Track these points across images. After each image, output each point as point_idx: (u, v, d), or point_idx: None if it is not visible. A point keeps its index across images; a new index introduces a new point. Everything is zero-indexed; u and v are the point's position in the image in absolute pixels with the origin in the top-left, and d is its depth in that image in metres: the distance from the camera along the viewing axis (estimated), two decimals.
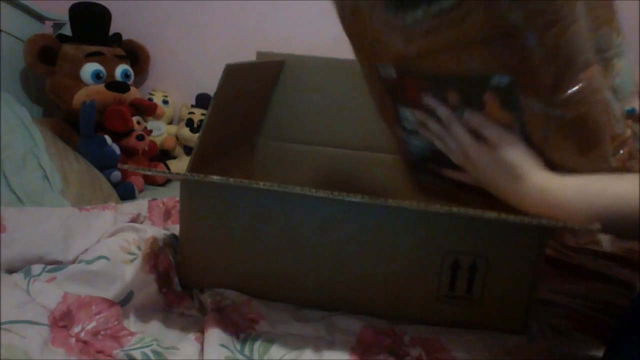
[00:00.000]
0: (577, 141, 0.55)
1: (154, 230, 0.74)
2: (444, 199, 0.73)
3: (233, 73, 0.68)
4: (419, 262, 0.63)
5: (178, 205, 0.84)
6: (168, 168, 1.41)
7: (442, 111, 0.60)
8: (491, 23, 0.50)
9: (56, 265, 0.69)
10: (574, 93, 0.52)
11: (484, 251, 0.61)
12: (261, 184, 0.52)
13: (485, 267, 0.62)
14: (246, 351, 0.58)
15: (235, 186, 0.64)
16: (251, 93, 0.87)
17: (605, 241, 0.93)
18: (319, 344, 0.59)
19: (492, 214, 0.50)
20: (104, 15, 1.36)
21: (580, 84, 0.52)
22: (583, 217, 0.51)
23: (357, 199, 0.52)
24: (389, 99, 0.67)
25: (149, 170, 0.54)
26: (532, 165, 0.56)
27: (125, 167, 0.57)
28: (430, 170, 0.71)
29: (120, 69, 1.35)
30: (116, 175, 1.19)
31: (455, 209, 0.51)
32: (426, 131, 0.64)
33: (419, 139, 0.67)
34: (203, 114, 1.46)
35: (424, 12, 0.52)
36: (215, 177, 0.53)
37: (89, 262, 0.67)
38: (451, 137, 0.61)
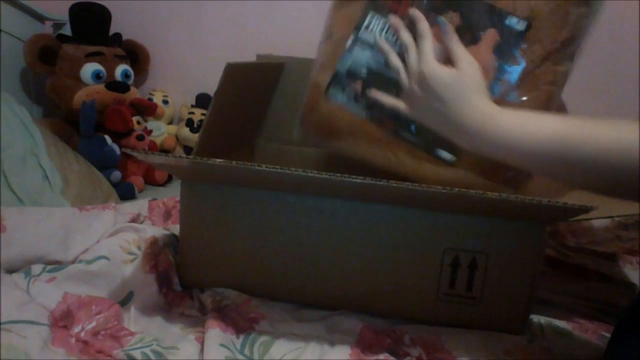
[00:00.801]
0: None
1: (154, 230, 0.74)
2: (349, 132, 0.68)
3: (234, 72, 0.68)
4: (419, 259, 0.63)
5: (178, 205, 0.84)
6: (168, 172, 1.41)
7: (422, 25, 0.58)
8: None
9: (56, 265, 0.69)
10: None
11: (483, 248, 0.62)
12: (263, 167, 0.52)
13: (485, 264, 0.62)
14: (246, 351, 0.58)
15: (236, 185, 0.64)
16: (251, 94, 0.87)
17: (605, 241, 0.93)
18: (319, 344, 0.59)
19: (494, 195, 0.50)
20: (104, 15, 1.36)
21: None
22: (552, 170, 0.48)
23: (359, 180, 0.52)
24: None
25: (152, 154, 0.53)
26: (488, 96, 0.54)
27: (128, 150, 0.57)
28: (353, 90, 0.66)
29: (120, 69, 1.35)
30: (116, 175, 1.19)
31: (456, 190, 0.50)
32: (384, 44, 0.62)
33: (366, 53, 0.64)
34: (203, 114, 1.46)
35: None
36: (218, 160, 0.53)
37: (89, 262, 0.67)
38: (414, 51, 0.58)
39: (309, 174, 0.53)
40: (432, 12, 0.58)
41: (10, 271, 0.67)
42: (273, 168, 0.52)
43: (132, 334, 0.59)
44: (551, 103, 0.58)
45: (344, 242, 0.64)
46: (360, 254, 0.64)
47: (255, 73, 0.87)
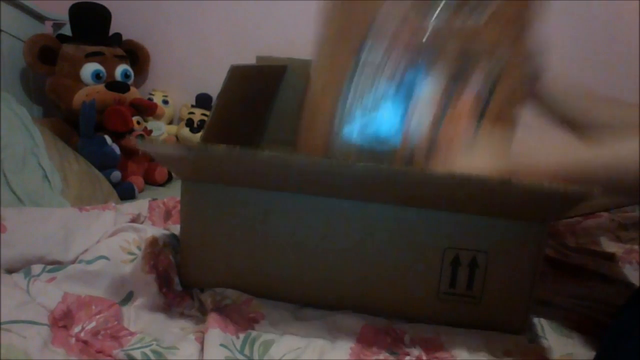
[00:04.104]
0: None
1: (154, 230, 0.74)
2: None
3: (237, 74, 0.68)
4: (419, 258, 0.63)
5: (178, 205, 0.84)
6: (169, 170, 1.41)
7: None
8: None
9: (56, 265, 0.69)
10: None
11: (484, 247, 0.62)
12: (266, 153, 0.53)
13: (485, 263, 0.62)
14: (246, 351, 0.58)
15: (237, 185, 0.64)
16: (254, 96, 0.88)
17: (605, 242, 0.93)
18: (319, 344, 0.59)
19: (495, 179, 0.51)
20: (104, 15, 1.36)
21: None
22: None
23: (360, 167, 0.52)
24: None
25: (154, 144, 0.52)
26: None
27: (132, 140, 0.57)
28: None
29: (120, 69, 1.35)
30: (116, 175, 1.19)
31: (458, 173, 0.50)
32: None
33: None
34: (203, 114, 1.46)
35: None
36: (221, 146, 0.54)
37: (89, 262, 0.67)
38: None
39: (312, 159, 0.52)
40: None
41: (10, 271, 0.67)
42: (276, 154, 0.53)
43: (132, 334, 0.59)
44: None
45: (344, 242, 0.64)
46: (360, 254, 0.64)
47: (258, 75, 0.87)
